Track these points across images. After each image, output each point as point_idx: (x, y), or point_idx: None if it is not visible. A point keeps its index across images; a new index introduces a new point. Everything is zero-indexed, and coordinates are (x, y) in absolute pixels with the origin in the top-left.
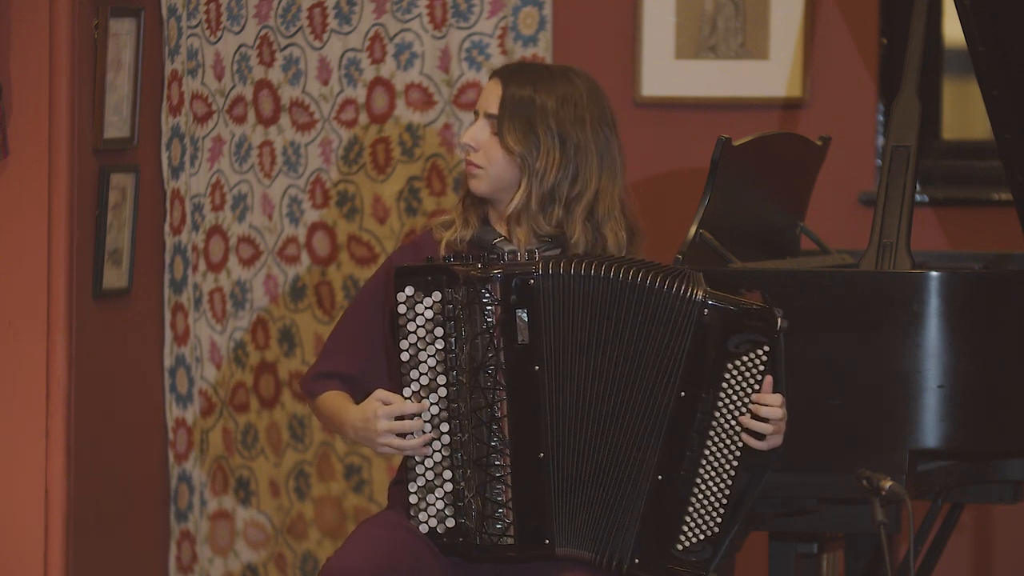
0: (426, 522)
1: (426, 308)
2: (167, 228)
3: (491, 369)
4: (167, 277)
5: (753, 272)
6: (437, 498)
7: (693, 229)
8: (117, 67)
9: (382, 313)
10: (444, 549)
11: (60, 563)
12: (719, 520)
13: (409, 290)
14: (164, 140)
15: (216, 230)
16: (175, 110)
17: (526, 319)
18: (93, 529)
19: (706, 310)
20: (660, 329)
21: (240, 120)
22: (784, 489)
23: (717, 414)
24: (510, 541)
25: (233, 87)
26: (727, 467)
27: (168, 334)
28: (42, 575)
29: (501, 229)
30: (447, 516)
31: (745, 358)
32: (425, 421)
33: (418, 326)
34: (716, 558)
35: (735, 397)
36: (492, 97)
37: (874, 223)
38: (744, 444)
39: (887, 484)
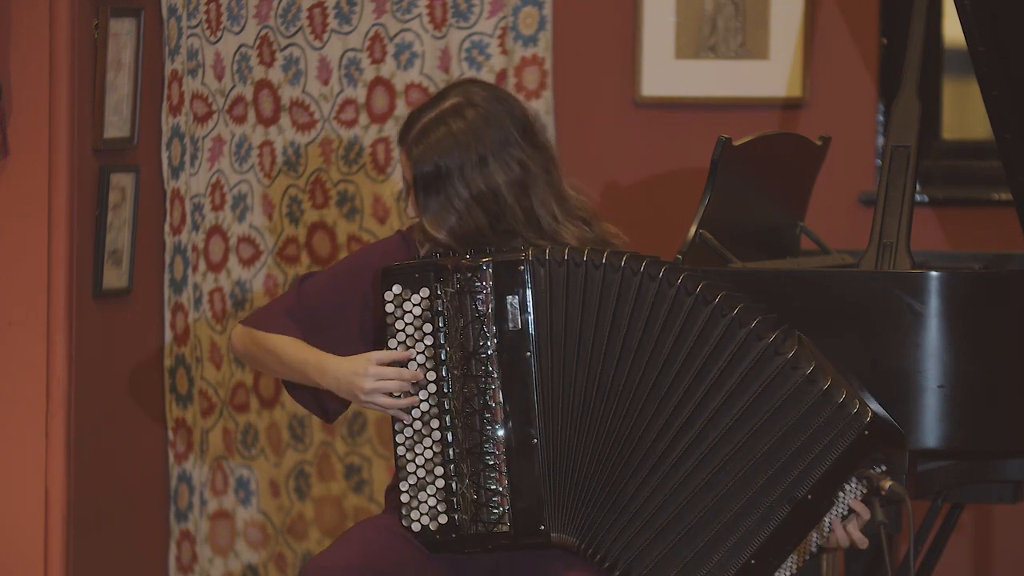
0: (418, 520)
1: (414, 305)
2: (167, 228)
3: (483, 356)
4: (167, 277)
5: (753, 272)
6: (429, 495)
7: (693, 229)
8: (117, 67)
9: (352, 305)
10: (436, 546)
11: (60, 563)
12: None
13: (397, 288)
14: (164, 140)
15: (216, 230)
16: (175, 110)
17: (516, 305)
18: (93, 529)
19: (867, 431)
20: (793, 412)
21: (240, 120)
22: None
23: (826, 520)
24: (505, 528)
25: (233, 87)
26: (796, 563)
27: (168, 334)
28: (42, 575)
29: None
30: (439, 512)
31: (863, 476)
32: (415, 418)
33: (407, 324)
34: None
35: (840, 508)
36: (406, 169)
37: (874, 223)
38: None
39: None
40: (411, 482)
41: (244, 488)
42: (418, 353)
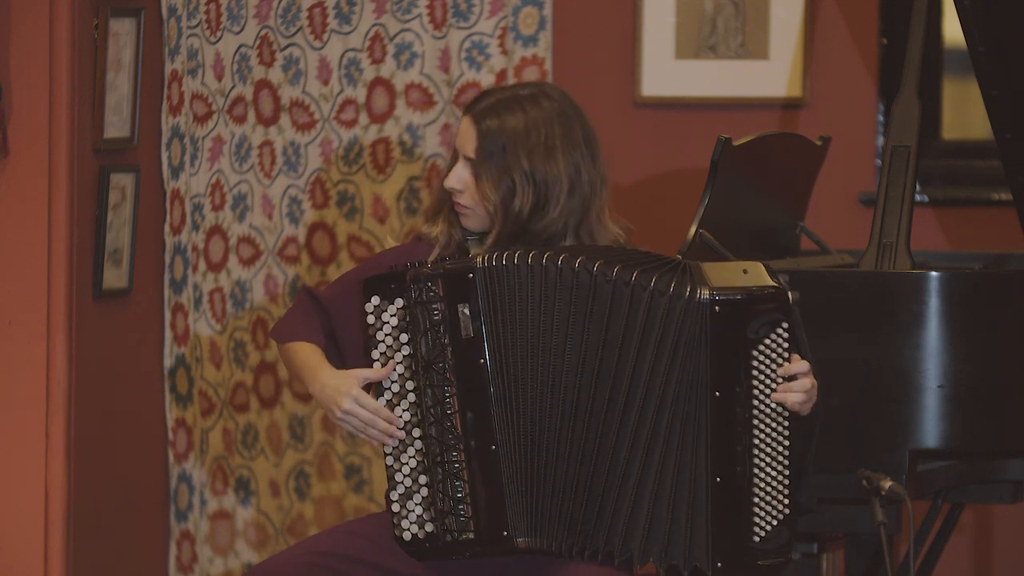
0: (408, 529)
1: (391, 316)
2: (167, 228)
3: (440, 366)
4: (167, 277)
5: None
6: (416, 504)
7: (693, 229)
8: (117, 67)
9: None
10: (425, 555)
11: (60, 563)
12: (787, 501)
13: (375, 299)
14: (164, 140)
15: (216, 230)
16: (175, 110)
17: (468, 313)
18: (93, 529)
19: (717, 306)
20: (665, 330)
21: (240, 120)
22: None
23: (756, 402)
24: (471, 536)
25: (233, 87)
26: (780, 448)
27: (168, 334)
28: (42, 575)
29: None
30: (425, 521)
31: (768, 340)
32: (400, 428)
33: (386, 334)
34: (793, 536)
35: (768, 380)
36: (468, 139)
37: (874, 223)
38: (790, 422)
39: (887, 484)
40: (400, 491)
41: (244, 488)
42: (397, 363)
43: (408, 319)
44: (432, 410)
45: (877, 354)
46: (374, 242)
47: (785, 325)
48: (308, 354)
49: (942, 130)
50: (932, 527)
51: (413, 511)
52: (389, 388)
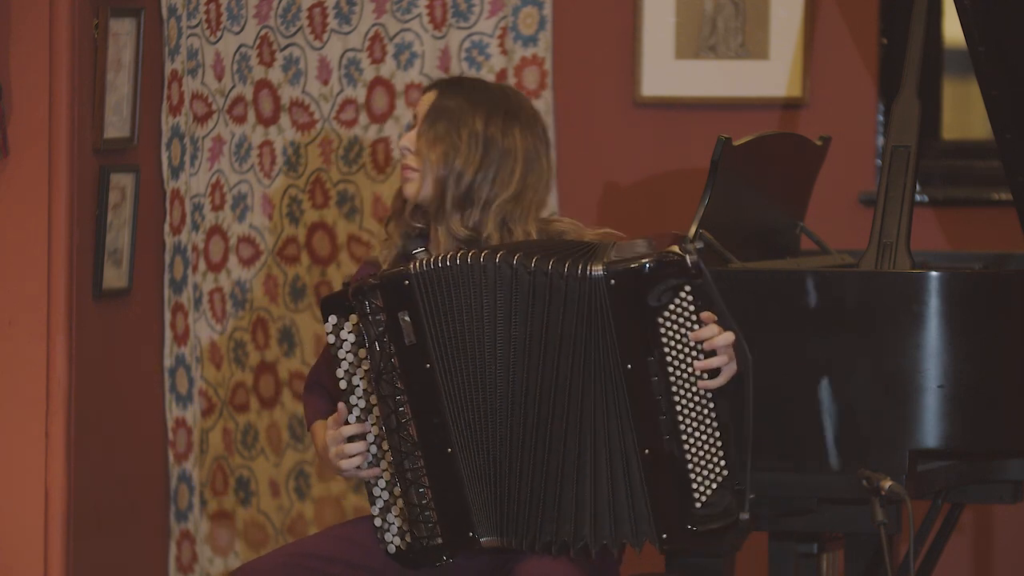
0: (391, 542)
1: (348, 333)
2: (167, 228)
3: (391, 375)
4: (167, 277)
5: (753, 272)
6: (394, 516)
7: (693, 229)
8: (117, 67)
9: None
10: (412, 564)
11: (60, 563)
12: (723, 463)
13: (332, 319)
14: (164, 140)
15: (216, 230)
16: (175, 110)
17: (408, 319)
18: (93, 529)
19: (612, 280)
20: (576, 311)
21: (240, 120)
22: (784, 489)
23: (671, 369)
24: (439, 541)
25: (233, 87)
26: (705, 411)
27: (168, 334)
28: (42, 575)
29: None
30: (405, 531)
31: (672, 306)
32: (369, 443)
33: (346, 352)
34: (744, 499)
35: (680, 346)
36: (426, 103)
37: (874, 223)
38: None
39: (887, 484)
40: (379, 506)
41: (244, 488)
42: (359, 379)
43: (362, 329)
44: (388, 420)
45: (877, 354)
46: (374, 242)
47: (688, 288)
48: (313, 428)
49: (942, 130)
50: (932, 527)
51: (393, 524)
52: (356, 405)
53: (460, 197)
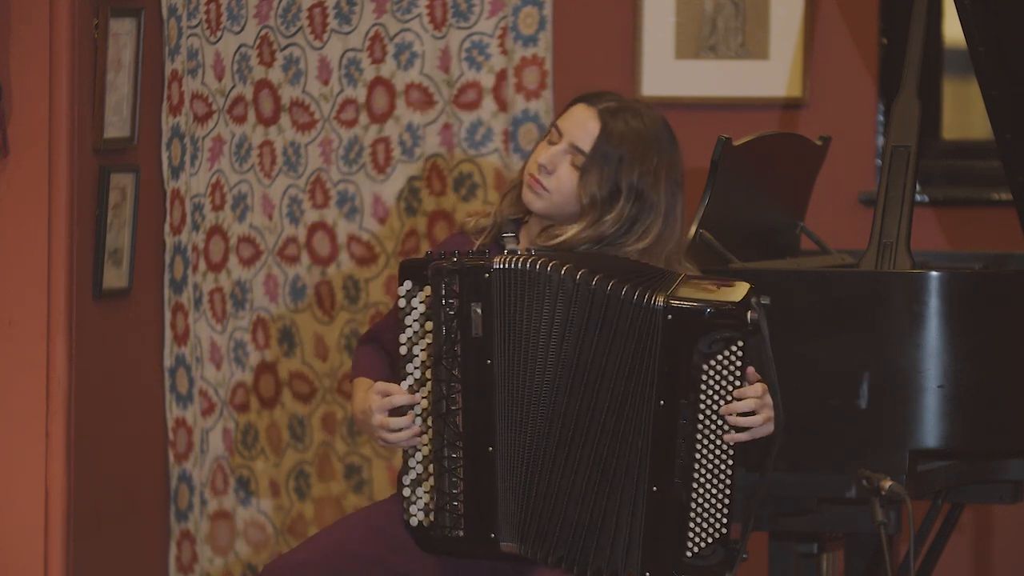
0: (415, 515)
1: (419, 302)
2: (167, 228)
3: (449, 361)
4: (167, 277)
5: (753, 272)
6: (424, 492)
7: (693, 229)
8: (117, 67)
9: None
10: (427, 544)
11: (60, 563)
12: (724, 520)
13: (408, 284)
14: (164, 140)
15: (216, 230)
16: (175, 110)
17: (480, 312)
18: (93, 529)
19: (669, 315)
20: (627, 337)
21: (240, 120)
22: (784, 489)
23: (701, 416)
24: (460, 534)
25: (233, 87)
26: (722, 467)
27: (168, 334)
28: (42, 575)
29: (524, 241)
30: (431, 510)
31: (720, 356)
32: (416, 415)
33: (413, 320)
34: (735, 558)
35: (716, 397)
36: (584, 132)
37: (874, 223)
38: (735, 446)
39: (887, 484)
40: (412, 477)
41: (244, 488)
42: (420, 350)
43: (433, 308)
44: (439, 404)
45: (877, 354)
46: (374, 242)
47: (740, 344)
48: (356, 379)
49: (942, 130)
50: (932, 527)
51: (421, 498)
52: (411, 374)
53: (591, 238)
